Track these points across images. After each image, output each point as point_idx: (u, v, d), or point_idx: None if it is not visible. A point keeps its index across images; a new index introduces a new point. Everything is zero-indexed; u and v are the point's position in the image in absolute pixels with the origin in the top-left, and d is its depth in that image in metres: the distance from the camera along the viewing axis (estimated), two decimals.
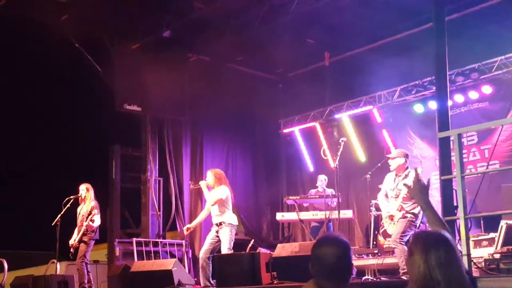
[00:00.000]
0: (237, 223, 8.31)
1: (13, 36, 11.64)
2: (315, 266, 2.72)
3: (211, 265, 7.91)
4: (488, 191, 9.29)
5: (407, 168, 7.43)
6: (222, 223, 8.04)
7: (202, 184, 8.43)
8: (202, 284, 7.97)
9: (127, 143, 12.84)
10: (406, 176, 7.34)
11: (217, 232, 8.06)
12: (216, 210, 8.12)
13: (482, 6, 10.60)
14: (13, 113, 16.27)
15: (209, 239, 8.09)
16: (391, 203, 7.43)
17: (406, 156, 7.52)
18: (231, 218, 8.13)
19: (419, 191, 3.36)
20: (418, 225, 7.44)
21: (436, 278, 2.50)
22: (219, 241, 8.07)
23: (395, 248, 7.27)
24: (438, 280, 2.49)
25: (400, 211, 7.24)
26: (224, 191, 8.14)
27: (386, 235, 9.87)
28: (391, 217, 7.41)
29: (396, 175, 7.46)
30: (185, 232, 8.76)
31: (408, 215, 7.21)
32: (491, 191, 9.50)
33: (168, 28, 11.34)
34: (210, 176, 8.31)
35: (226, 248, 7.92)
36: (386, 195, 7.56)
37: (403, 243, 7.03)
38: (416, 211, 7.27)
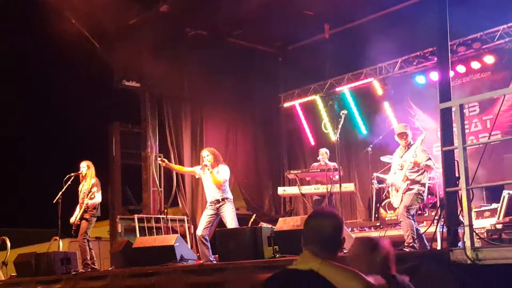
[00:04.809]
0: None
1: (10, 14, 11.53)
2: (310, 235, 2.88)
3: (208, 242, 7.94)
4: (490, 161, 9.26)
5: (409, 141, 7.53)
6: (224, 199, 8.03)
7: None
8: (202, 260, 7.99)
9: (127, 119, 12.83)
10: (409, 147, 7.41)
11: (217, 209, 8.04)
12: (218, 188, 8.10)
13: None
14: (12, 91, 16.22)
15: (207, 217, 8.05)
16: (397, 175, 7.43)
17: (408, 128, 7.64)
18: (230, 194, 8.20)
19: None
20: (424, 198, 7.40)
21: None
22: (217, 218, 8.07)
23: (401, 221, 7.22)
24: None
25: (405, 181, 7.21)
26: (227, 171, 8.18)
27: (389, 207, 9.86)
28: (397, 189, 7.39)
29: (401, 148, 7.53)
30: (160, 162, 9.02)
31: (415, 187, 7.17)
32: (493, 162, 9.46)
33: (165, 2, 11.19)
34: (209, 155, 8.25)
35: (232, 223, 7.91)
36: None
37: (410, 217, 6.98)
38: (423, 180, 7.23)
